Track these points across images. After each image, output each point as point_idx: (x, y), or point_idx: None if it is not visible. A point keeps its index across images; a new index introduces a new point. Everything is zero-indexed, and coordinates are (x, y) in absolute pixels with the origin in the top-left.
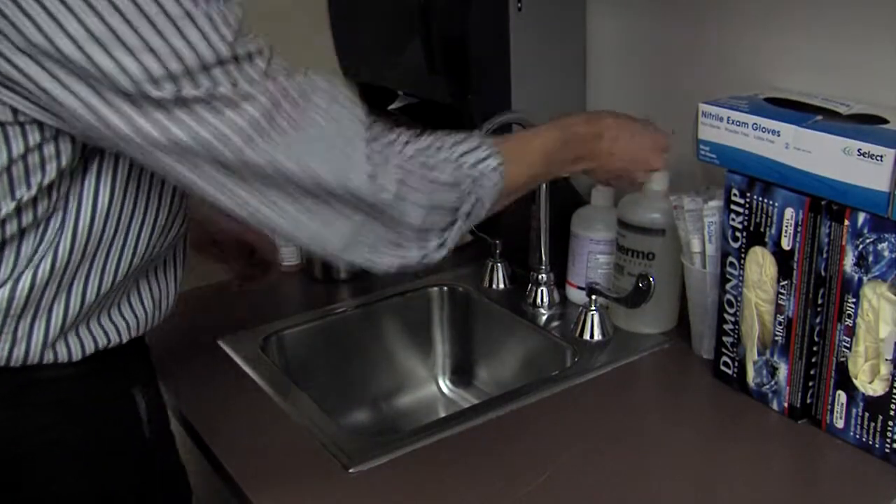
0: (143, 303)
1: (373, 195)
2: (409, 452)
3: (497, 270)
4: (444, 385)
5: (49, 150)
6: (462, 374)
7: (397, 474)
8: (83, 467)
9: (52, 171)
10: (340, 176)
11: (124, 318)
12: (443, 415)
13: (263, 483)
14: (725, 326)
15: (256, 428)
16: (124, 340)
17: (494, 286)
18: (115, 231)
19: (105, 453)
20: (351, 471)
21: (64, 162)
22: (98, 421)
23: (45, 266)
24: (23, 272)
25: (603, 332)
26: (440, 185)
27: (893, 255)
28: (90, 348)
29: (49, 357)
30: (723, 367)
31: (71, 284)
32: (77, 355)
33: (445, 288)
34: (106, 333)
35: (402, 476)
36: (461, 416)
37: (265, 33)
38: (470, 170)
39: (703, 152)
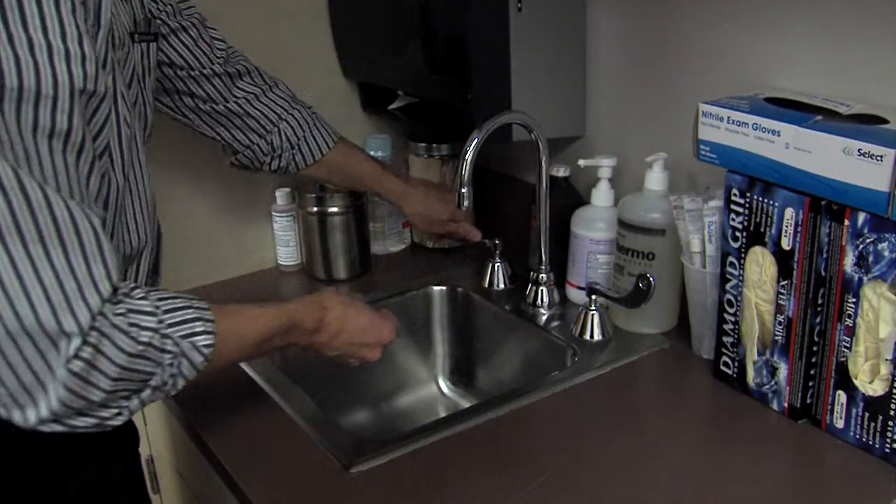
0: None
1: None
2: (409, 452)
3: (497, 270)
4: (444, 385)
5: None
6: (462, 374)
7: (397, 474)
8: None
9: None
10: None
11: None
12: (443, 415)
13: (263, 483)
14: (725, 326)
15: (256, 428)
16: None
17: (494, 286)
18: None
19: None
20: (351, 471)
21: None
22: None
23: None
24: None
25: (603, 332)
26: (137, 355)
27: (893, 255)
28: None
29: None
30: (723, 367)
31: None
32: None
33: (445, 288)
34: None
35: (402, 476)
36: (461, 416)
37: (266, 33)
38: (174, 344)
39: (703, 152)
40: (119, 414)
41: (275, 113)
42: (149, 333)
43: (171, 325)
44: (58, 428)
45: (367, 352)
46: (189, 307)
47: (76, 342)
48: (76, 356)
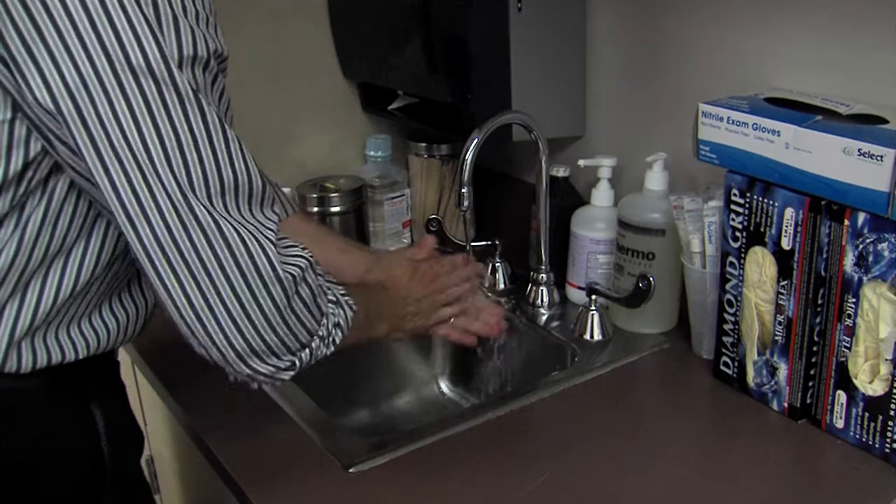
0: (105, 323)
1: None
2: (409, 452)
3: (497, 270)
4: (444, 385)
5: (21, 131)
6: (462, 374)
7: (397, 474)
8: (27, 477)
9: (21, 158)
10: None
11: (84, 336)
12: (443, 415)
13: (263, 483)
14: (725, 326)
15: (256, 428)
16: (81, 357)
17: (494, 286)
18: (74, 239)
19: (52, 465)
20: (351, 471)
21: (34, 153)
22: (45, 432)
23: (6, 256)
24: None
25: (603, 332)
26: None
27: (893, 255)
28: (43, 362)
29: None
30: (723, 367)
31: (26, 287)
32: (27, 367)
33: None
34: (62, 350)
35: (402, 476)
36: (461, 416)
37: (266, 33)
38: (333, 294)
39: (703, 152)
40: (292, 366)
41: None
42: (314, 274)
43: (326, 280)
44: (240, 367)
45: (439, 294)
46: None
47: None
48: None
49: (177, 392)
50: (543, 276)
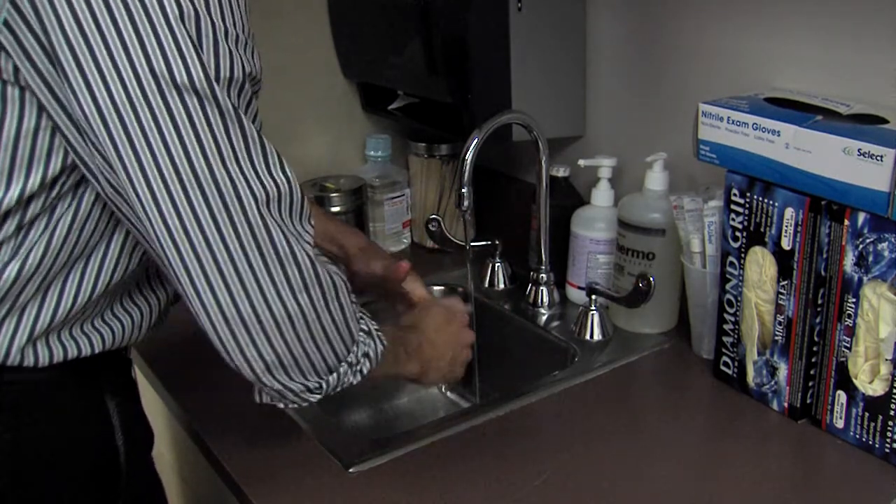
0: (119, 319)
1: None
2: (409, 452)
3: (497, 270)
4: (444, 385)
5: (53, 138)
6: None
7: (397, 474)
8: (45, 470)
9: (58, 163)
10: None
11: (98, 332)
12: (443, 415)
13: (263, 483)
14: (725, 326)
15: (256, 428)
16: (97, 352)
17: (494, 286)
18: (97, 242)
19: (69, 457)
20: (351, 471)
21: (70, 158)
22: (62, 424)
23: (34, 257)
24: (9, 262)
25: (603, 332)
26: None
27: (893, 255)
28: (59, 357)
29: (15, 360)
30: (723, 367)
31: (48, 289)
32: (44, 362)
33: (445, 288)
34: (77, 344)
35: (402, 476)
36: (461, 416)
37: (266, 32)
38: (366, 323)
39: (703, 152)
40: (319, 388)
41: None
42: (347, 294)
43: (360, 310)
44: (269, 381)
45: (466, 336)
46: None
47: None
48: None
49: (177, 392)
50: (543, 276)
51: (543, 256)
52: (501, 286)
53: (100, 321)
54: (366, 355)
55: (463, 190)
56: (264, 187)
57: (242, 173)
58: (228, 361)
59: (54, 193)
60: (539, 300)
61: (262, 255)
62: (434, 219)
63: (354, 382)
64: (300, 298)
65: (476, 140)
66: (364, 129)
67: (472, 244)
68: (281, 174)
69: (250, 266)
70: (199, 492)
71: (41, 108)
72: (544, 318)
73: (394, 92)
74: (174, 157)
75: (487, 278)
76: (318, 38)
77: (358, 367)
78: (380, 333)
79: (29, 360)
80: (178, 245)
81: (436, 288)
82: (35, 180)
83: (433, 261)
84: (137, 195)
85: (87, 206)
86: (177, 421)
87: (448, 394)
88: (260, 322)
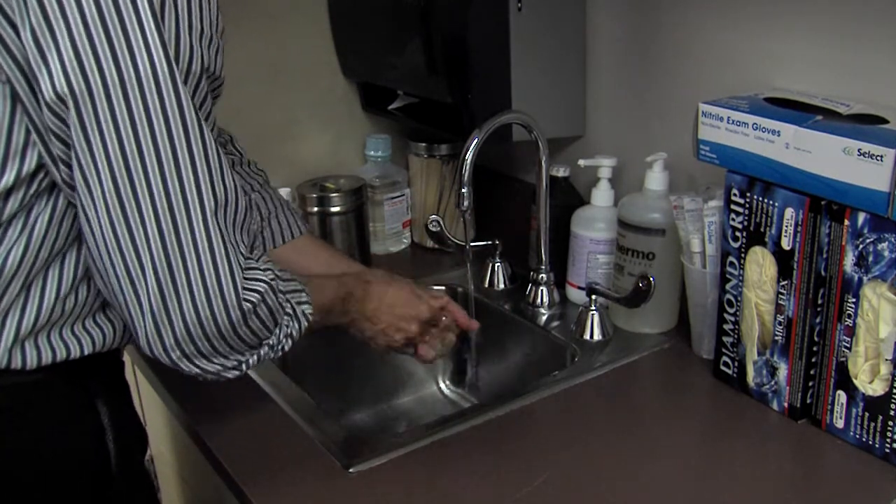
0: (111, 321)
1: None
2: (409, 452)
3: (497, 270)
4: (444, 385)
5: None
6: (462, 374)
7: (397, 474)
8: (34, 472)
9: (34, 160)
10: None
11: (89, 333)
12: (443, 415)
13: (263, 483)
14: (725, 326)
15: (256, 428)
16: (86, 354)
17: (494, 286)
18: (73, 239)
19: (59, 460)
20: (351, 471)
21: (35, 164)
22: (51, 427)
23: (14, 257)
24: None
25: (603, 332)
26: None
27: (893, 255)
28: (48, 359)
29: (2, 362)
30: (723, 367)
31: (30, 287)
32: (32, 364)
33: (445, 288)
34: (67, 346)
35: (402, 476)
36: (461, 416)
37: (266, 33)
38: (291, 308)
39: (703, 152)
40: (237, 367)
41: (248, 184)
42: (274, 296)
43: (287, 292)
44: (186, 366)
45: (406, 324)
46: (293, 279)
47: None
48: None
49: (177, 392)
50: (543, 276)
51: (543, 256)
52: (501, 286)
53: (91, 323)
54: (288, 336)
55: (463, 190)
56: (214, 192)
57: (195, 175)
58: (144, 348)
59: (32, 191)
60: (539, 300)
61: (198, 259)
62: (434, 219)
63: (275, 357)
64: (218, 314)
65: (476, 140)
66: (364, 129)
67: (472, 244)
68: (230, 181)
69: (180, 268)
70: (199, 492)
71: (15, 102)
72: (544, 318)
73: (394, 92)
74: (126, 150)
75: (487, 278)
76: (318, 38)
77: (279, 346)
78: (304, 308)
79: (17, 362)
80: (119, 239)
81: (436, 288)
82: (10, 177)
83: (433, 261)
84: (86, 183)
85: (64, 203)
86: (177, 421)
87: (448, 394)
88: (186, 326)
